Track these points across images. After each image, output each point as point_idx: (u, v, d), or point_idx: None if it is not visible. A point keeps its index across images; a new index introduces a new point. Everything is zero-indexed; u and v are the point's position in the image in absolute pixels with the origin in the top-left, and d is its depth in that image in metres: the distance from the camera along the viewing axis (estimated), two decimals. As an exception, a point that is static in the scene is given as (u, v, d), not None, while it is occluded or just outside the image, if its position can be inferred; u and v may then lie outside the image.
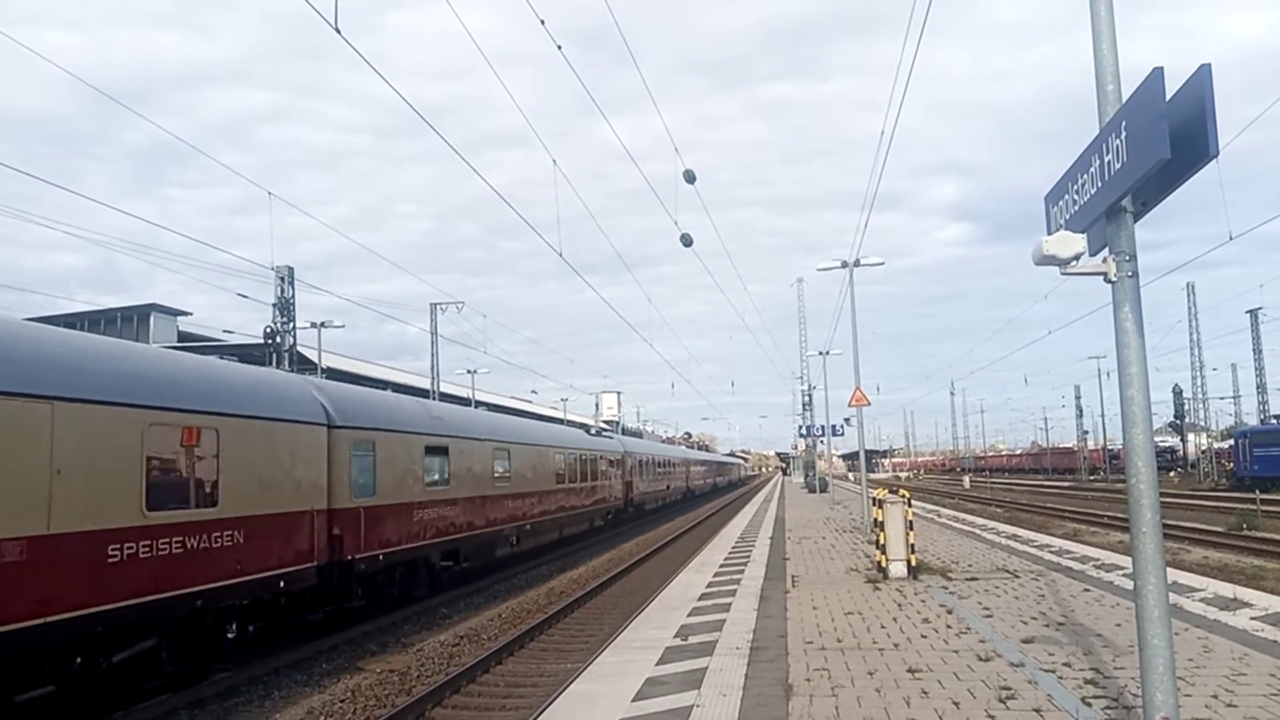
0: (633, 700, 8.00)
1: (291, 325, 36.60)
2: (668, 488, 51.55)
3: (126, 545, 9.58)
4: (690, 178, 20.82)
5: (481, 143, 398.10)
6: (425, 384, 50.68)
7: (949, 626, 10.83)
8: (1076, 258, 5.54)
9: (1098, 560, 17.46)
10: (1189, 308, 74.88)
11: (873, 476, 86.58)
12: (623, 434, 79.49)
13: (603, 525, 34.19)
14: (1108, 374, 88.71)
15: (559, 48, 14.51)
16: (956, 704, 7.42)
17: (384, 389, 28.39)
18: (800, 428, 66.63)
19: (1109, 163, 5.30)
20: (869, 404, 27.46)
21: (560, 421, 40.77)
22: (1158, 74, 4.73)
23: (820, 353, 45.86)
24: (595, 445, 33.82)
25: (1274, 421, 59.65)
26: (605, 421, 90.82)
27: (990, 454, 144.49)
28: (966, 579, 15.16)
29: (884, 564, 15.40)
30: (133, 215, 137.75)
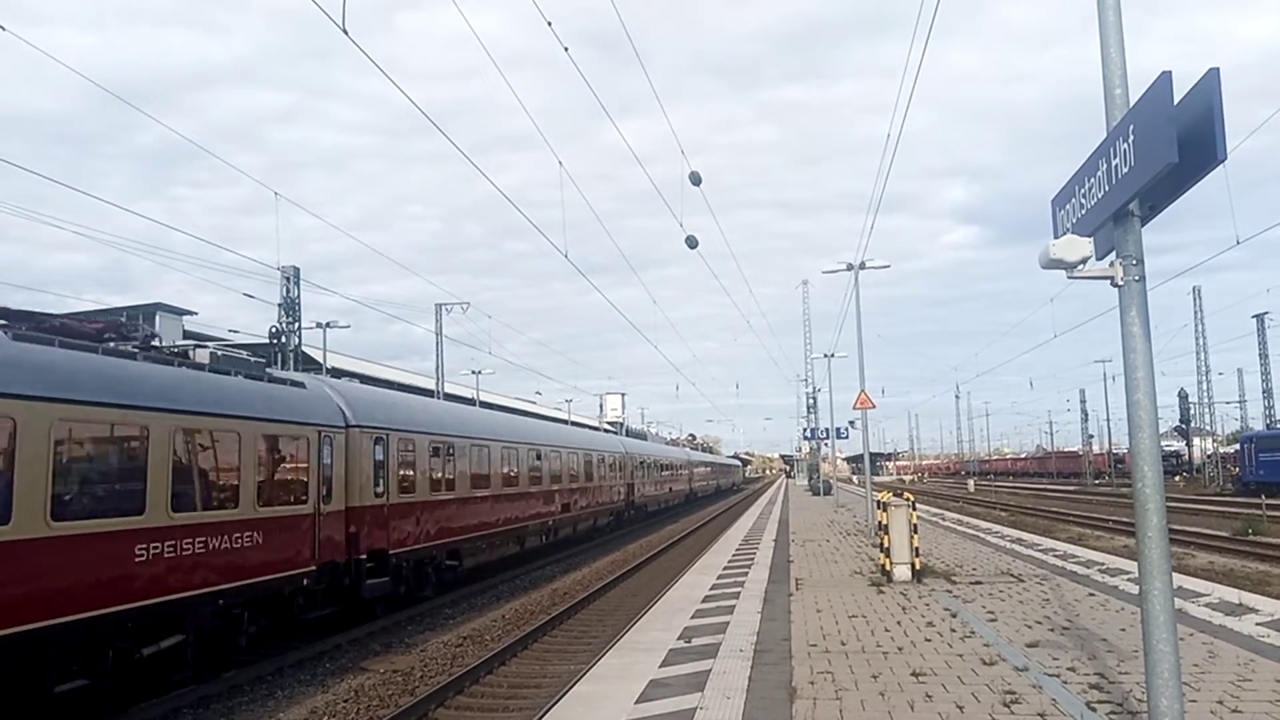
0: (636, 702, 7.99)
1: (297, 325, 36.67)
2: (565, 509, 27.76)
3: None
4: (695, 180, 20.80)
5: (491, 144, 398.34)
6: (430, 384, 50.75)
7: (953, 630, 10.81)
8: (1083, 261, 5.53)
9: (1102, 565, 17.42)
10: (1195, 312, 74.58)
11: (877, 479, 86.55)
12: (626, 435, 74.12)
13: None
14: (1113, 378, 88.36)
15: (565, 49, 14.55)
16: (961, 708, 7.40)
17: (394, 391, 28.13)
18: (804, 430, 66.54)
19: (1116, 167, 5.30)
20: (873, 407, 27.50)
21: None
22: (1165, 78, 4.73)
23: (825, 355, 45.89)
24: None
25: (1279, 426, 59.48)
26: (609, 422, 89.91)
27: (995, 458, 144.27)
28: (971, 583, 15.13)
29: (888, 567, 15.37)
30: (142, 215, 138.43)
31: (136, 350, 11.43)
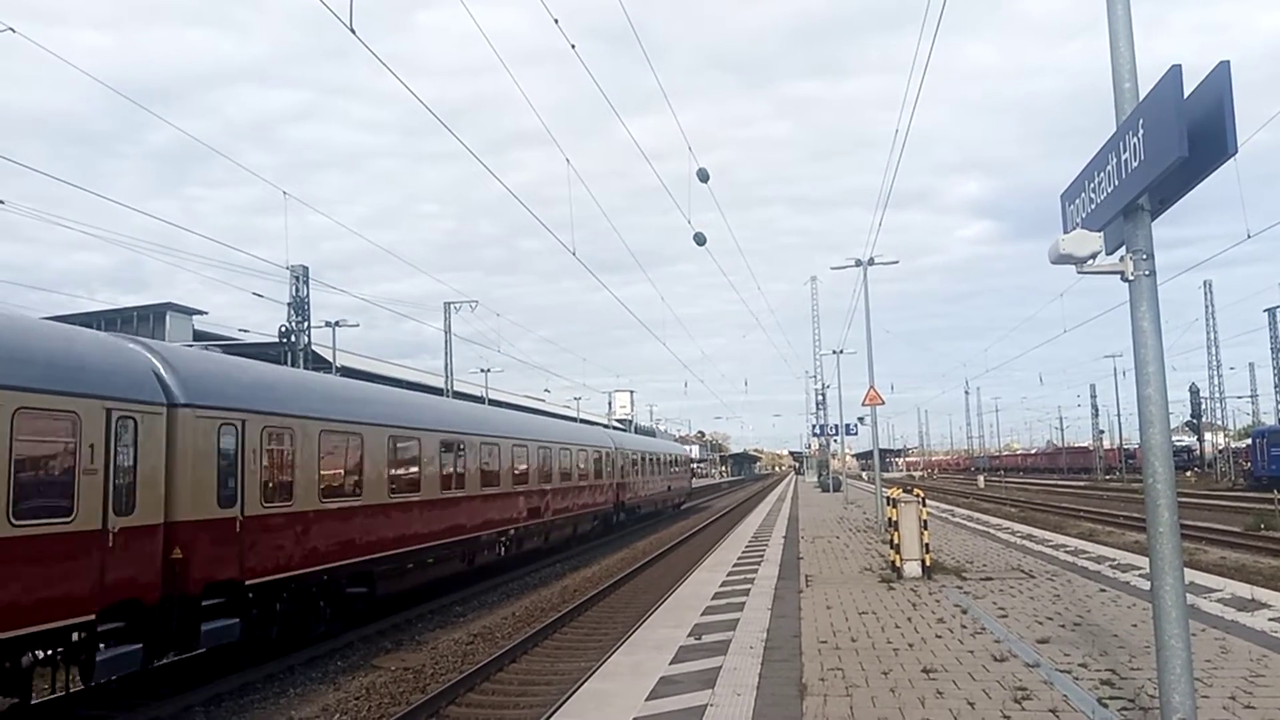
0: (646, 699, 8.00)
1: (306, 324, 36.79)
2: (534, 515, 23.32)
3: None
4: (704, 176, 20.76)
5: (506, 141, 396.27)
6: (440, 382, 50.88)
7: (964, 626, 10.79)
8: (1093, 256, 5.51)
9: (1114, 560, 17.36)
10: (1206, 306, 74.39)
11: (886, 476, 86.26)
12: (635, 432, 72.61)
13: None
14: (1124, 373, 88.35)
15: (573, 47, 14.57)
16: (972, 704, 7.39)
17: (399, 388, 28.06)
18: (813, 427, 66.34)
19: (1126, 161, 5.27)
20: (883, 403, 27.43)
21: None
22: (1175, 71, 4.70)
23: (834, 352, 45.74)
24: None
25: (1292, 421, 59.12)
26: (618, 420, 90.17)
27: (1005, 453, 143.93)
28: (981, 579, 15.10)
29: (898, 564, 15.35)
30: (155, 216, 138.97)
31: None
